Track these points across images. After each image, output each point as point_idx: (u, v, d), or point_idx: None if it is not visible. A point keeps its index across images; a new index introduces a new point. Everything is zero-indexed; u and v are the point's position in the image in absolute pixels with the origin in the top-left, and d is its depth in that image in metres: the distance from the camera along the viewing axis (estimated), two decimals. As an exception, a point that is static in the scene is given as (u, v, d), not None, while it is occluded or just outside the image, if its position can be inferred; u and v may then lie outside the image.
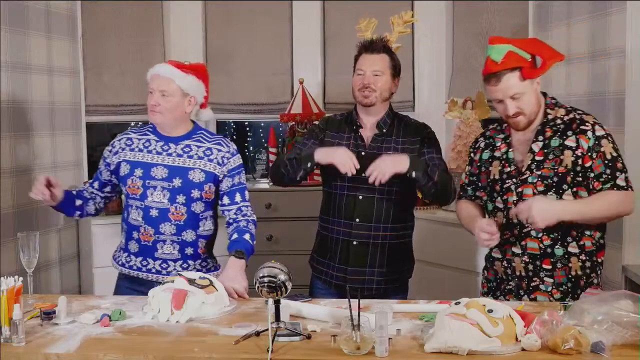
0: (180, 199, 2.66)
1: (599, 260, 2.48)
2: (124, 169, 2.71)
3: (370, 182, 2.60)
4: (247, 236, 2.65)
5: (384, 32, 3.63)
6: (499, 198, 2.53)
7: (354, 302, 1.89)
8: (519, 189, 2.46)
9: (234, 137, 5.35)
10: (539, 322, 1.88)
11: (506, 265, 2.53)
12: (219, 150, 2.72)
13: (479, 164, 2.62)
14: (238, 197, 2.74)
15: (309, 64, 4.70)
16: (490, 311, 1.85)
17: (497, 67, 2.39)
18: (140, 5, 4.59)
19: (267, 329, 1.91)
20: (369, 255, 2.77)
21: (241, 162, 2.78)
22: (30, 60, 3.57)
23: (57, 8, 3.83)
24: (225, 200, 2.74)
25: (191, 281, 2.25)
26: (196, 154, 2.69)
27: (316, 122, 3.00)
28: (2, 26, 3.36)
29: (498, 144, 2.57)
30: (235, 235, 2.66)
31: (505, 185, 2.51)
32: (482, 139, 2.66)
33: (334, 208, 2.81)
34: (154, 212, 2.66)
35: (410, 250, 2.89)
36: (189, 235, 2.69)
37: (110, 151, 2.77)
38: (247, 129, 5.31)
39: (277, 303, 2.00)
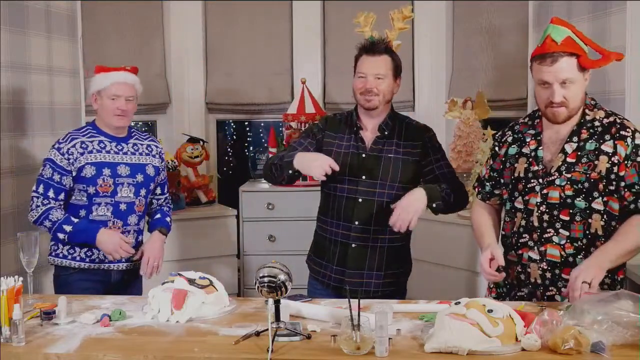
0: (143, 192, 2.97)
1: (619, 278, 2.34)
2: (89, 171, 2.85)
3: (396, 230, 2.56)
4: (168, 219, 3.10)
5: (382, 29, 3.62)
6: (520, 198, 2.38)
7: (354, 302, 1.89)
8: (544, 191, 2.32)
9: (234, 137, 5.35)
10: (539, 322, 1.88)
11: (520, 270, 2.38)
12: (156, 147, 3.09)
13: (503, 159, 2.47)
14: (166, 189, 3.16)
15: (309, 64, 4.70)
16: (490, 311, 1.86)
17: (556, 48, 2.24)
18: (140, 5, 4.59)
19: (267, 329, 1.91)
20: (367, 258, 2.75)
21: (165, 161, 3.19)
22: (30, 60, 3.57)
23: (57, 8, 3.82)
24: (158, 190, 3.11)
25: (191, 281, 2.25)
26: (143, 151, 3.02)
27: (316, 121, 2.97)
28: (2, 26, 3.36)
29: (527, 140, 2.41)
30: (158, 216, 3.08)
31: (529, 185, 2.36)
32: (509, 132, 2.50)
33: (332, 210, 2.79)
34: (122, 207, 2.91)
35: (408, 252, 2.86)
36: (142, 224, 3.04)
37: (67, 159, 2.85)
38: (247, 129, 5.31)
39: (277, 303, 2.00)
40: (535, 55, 2.30)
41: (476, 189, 2.62)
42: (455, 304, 1.92)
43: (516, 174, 2.40)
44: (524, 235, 2.37)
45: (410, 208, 2.53)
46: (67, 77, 3.96)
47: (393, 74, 2.75)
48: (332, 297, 2.63)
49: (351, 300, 1.90)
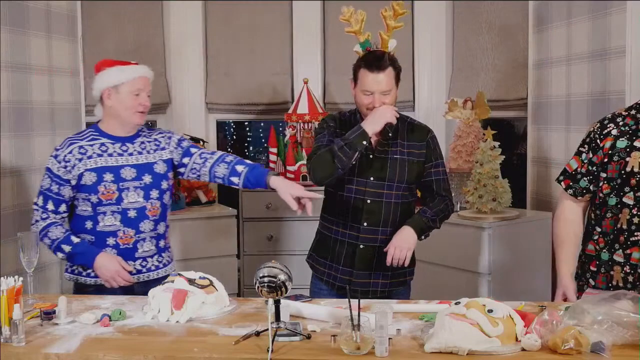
0: (154, 194, 2.72)
1: None
2: (89, 178, 2.64)
3: (388, 264, 2.68)
4: (241, 166, 2.75)
5: (376, 29, 3.38)
6: (632, 193, 2.25)
7: (354, 302, 1.89)
8: None
9: (234, 137, 5.35)
10: (539, 322, 1.88)
11: (628, 271, 2.28)
12: (162, 136, 2.82)
13: (609, 152, 2.31)
14: (194, 149, 2.82)
15: (309, 64, 4.70)
16: (490, 311, 1.86)
17: None
18: (140, 5, 4.59)
19: (267, 329, 1.91)
20: (375, 259, 2.75)
21: (180, 136, 2.90)
22: (30, 60, 3.57)
23: (57, 8, 3.83)
24: (185, 160, 2.80)
25: (191, 281, 2.25)
26: (151, 148, 2.77)
27: (325, 119, 2.89)
28: (2, 26, 3.36)
29: None
30: (241, 167, 2.74)
31: None
32: (611, 125, 2.34)
33: (340, 211, 2.77)
34: (132, 213, 2.67)
35: (413, 252, 2.87)
36: (161, 228, 2.78)
37: (64, 167, 2.64)
38: (247, 129, 5.31)
39: (277, 303, 2.00)
40: None
41: (563, 183, 2.46)
42: (455, 304, 1.93)
43: (628, 169, 2.26)
44: (635, 234, 2.26)
45: (403, 245, 2.66)
46: (67, 77, 3.96)
47: (396, 82, 2.74)
48: (338, 298, 2.62)
49: (351, 300, 1.90)
